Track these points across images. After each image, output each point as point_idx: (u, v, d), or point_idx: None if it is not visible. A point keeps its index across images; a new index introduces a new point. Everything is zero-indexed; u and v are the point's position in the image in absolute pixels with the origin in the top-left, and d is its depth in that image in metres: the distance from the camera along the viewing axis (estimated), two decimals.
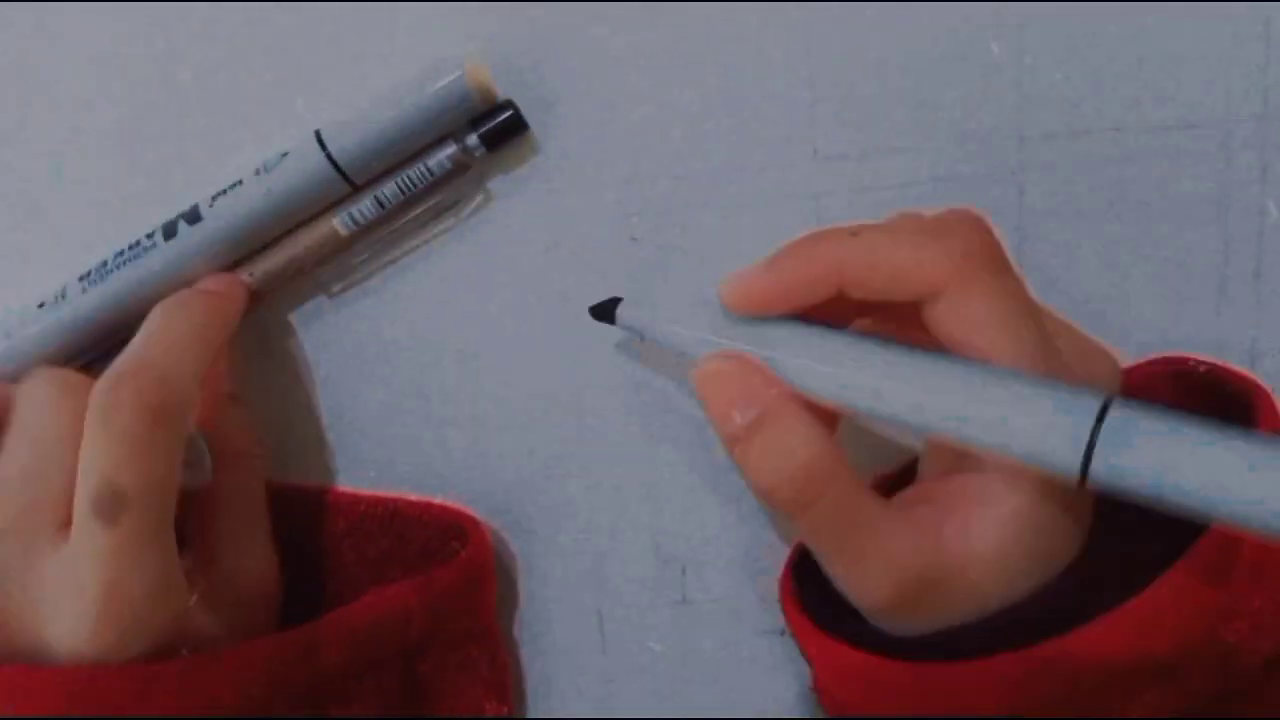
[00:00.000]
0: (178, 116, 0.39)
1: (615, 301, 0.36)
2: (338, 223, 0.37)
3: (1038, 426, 0.26)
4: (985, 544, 0.30)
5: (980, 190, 0.38)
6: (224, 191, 0.37)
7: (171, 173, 0.39)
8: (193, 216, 0.37)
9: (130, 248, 0.37)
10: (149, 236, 0.37)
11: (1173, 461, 0.24)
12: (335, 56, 0.38)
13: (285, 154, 0.36)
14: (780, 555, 0.40)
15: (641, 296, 0.36)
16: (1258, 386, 0.33)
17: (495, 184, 0.39)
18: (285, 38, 0.38)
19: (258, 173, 0.36)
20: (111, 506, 0.30)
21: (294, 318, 0.41)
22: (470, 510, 0.41)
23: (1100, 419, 0.25)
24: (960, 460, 0.32)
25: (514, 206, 0.39)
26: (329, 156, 0.35)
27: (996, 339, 0.29)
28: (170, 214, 0.37)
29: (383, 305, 0.40)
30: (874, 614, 0.32)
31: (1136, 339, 0.39)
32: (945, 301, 0.29)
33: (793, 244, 0.31)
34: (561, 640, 0.42)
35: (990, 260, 0.30)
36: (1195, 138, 0.38)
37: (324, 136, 0.36)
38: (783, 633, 0.41)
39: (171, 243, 0.37)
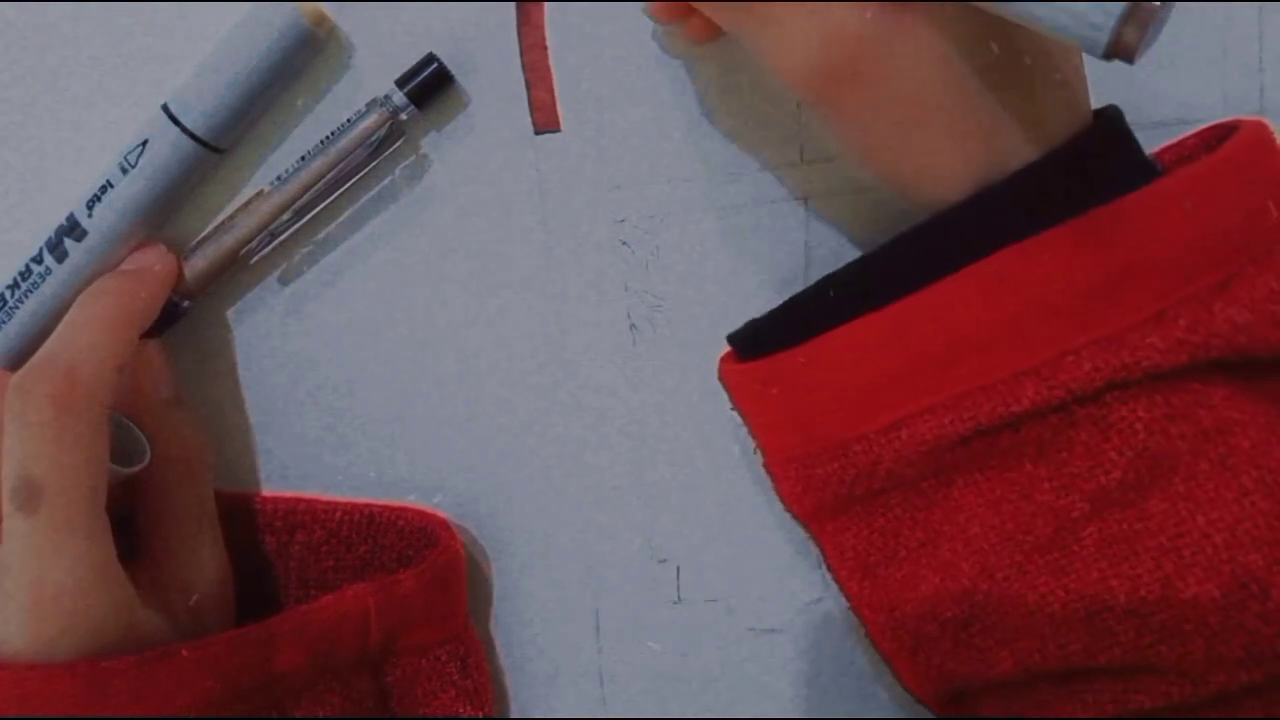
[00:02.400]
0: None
1: None
2: (267, 187, 0.36)
3: None
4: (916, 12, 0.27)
5: None
6: (97, 197, 0.35)
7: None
8: (76, 231, 0.35)
9: (22, 276, 0.36)
10: (37, 261, 0.36)
11: None
12: (333, 57, 0.38)
13: (144, 141, 0.35)
14: (776, 556, 0.40)
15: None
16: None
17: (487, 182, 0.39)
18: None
19: (124, 170, 0.35)
20: (28, 497, 0.30)
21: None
22: (442, 514, 0.41)
23: None
24: None
25: (503, 205, 0.39)
26: (185, 130, 0.34)
27: None
28: (44, 223, 0.36)
29: (358, 300, 0.40)
30: (812, 108, 0.30)
31: None
32: None
33: None
34: (558, 640, 0.42)
35: None
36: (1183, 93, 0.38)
37: (172, 109, 0.34)
38: (778, 631, 0.41)
39: (65, 264, 0.35)
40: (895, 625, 0.34)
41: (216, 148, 0.34)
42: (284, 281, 0.40)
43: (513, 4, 0.38)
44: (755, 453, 0.39)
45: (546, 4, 0.38)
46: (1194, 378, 0.29)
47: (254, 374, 0.41)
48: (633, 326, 0.40)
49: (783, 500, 0.37)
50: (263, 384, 0.41)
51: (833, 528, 0.35)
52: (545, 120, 0.38)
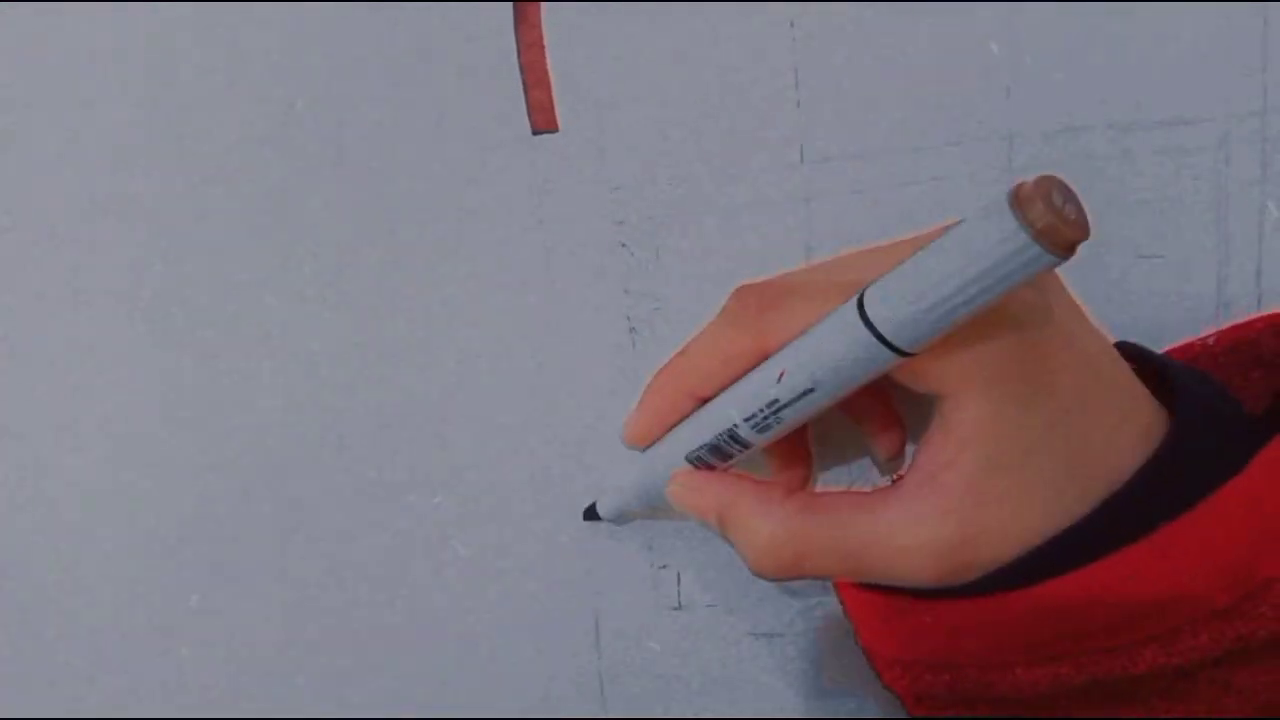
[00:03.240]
0: (177, 117, 0.39)
1: (593, 506, 0.39)
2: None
3: (842, 344, 0.28)
4: (971, 469, 0.29)
5: (974, 190, 0.38)
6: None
7: (171, 173, 0.39)
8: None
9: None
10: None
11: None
12: (332, 57, 0.38)
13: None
14: None
15: (601, 486, 0.39)
16: None
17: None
18: (282, 37, 0.39)
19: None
20: None
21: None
22: None
23: (860, 306, 0.27)
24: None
25: (504, 209, 0.39)
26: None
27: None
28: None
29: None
30: (931, 585, 0.31)
31: (1135, 338, 0.38)
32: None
33: (650, 383, 0.34)
34: (559, 642, 0.42)
35: None
36: (1194, 136, 0.38)
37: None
38: (778, 635, 0.41)
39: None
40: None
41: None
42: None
43: (510, 4, 0.38)
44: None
45: (543, 4, 0.38)
46: None
47: None
48: (632, 330, 0.40)
49: (873, 666, 0.35)
50: None
51: (926, 707, 0.34)
52: (543, 121, 0.38)
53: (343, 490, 0.41)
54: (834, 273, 0.31)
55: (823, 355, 0.29)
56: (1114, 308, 0.39)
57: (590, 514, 0.40)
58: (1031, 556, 0.29)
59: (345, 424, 0.41)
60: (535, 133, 0.39)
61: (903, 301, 0.26)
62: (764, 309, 0.31)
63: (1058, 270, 0.26)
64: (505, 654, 0.42)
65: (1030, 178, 0.24)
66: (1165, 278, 0.39)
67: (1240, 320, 0.35)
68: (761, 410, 0.30)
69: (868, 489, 0.34)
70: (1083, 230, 0.24)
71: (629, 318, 0.40)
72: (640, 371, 0.40)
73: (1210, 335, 0.35)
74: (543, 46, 0.38)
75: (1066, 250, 0.24)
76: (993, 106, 0.38)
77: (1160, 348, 0.38)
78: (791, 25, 0.37)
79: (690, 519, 0.34)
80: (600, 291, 0.39)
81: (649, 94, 0.38)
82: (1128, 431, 0.30)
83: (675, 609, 0.42)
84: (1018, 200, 0.24)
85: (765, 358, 0.31)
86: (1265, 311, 0.36)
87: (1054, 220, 0.24)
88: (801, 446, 0.35)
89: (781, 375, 0.29)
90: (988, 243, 0.25)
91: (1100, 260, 0.38)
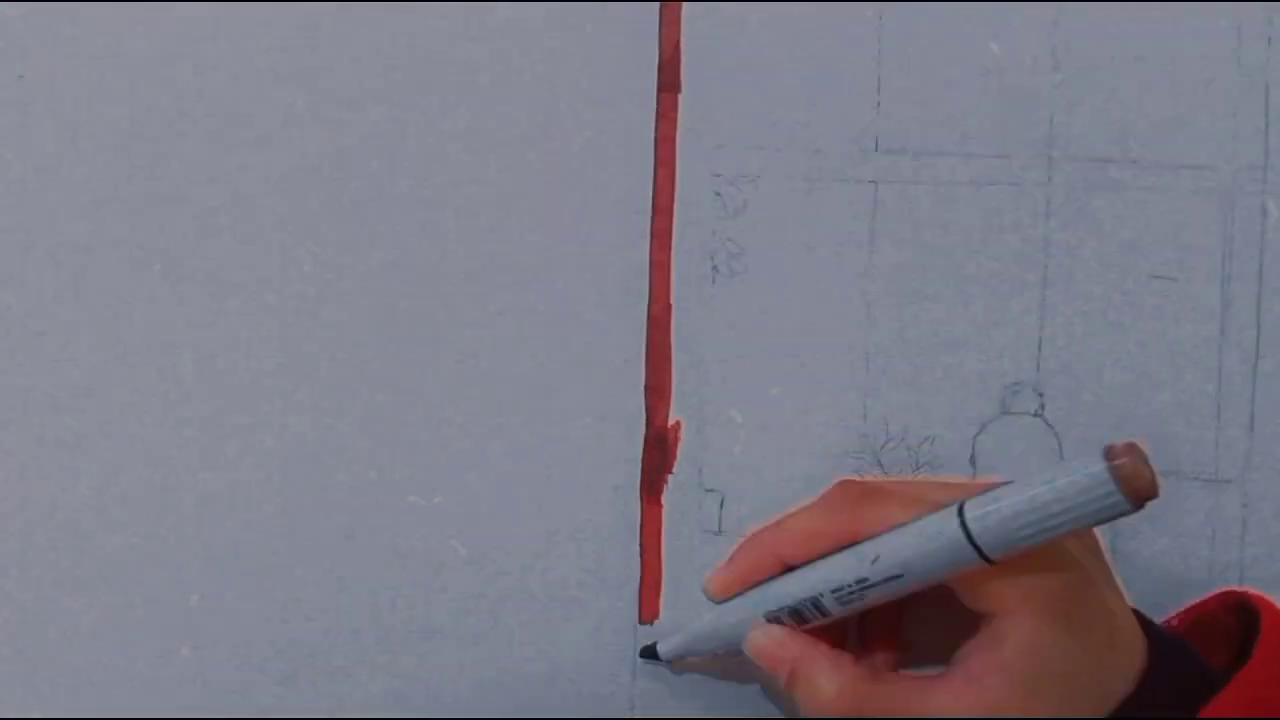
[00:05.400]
0: (177, 115, 0.39)
1: (652, 645, 0.41)
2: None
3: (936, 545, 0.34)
4: (1014, 678, 0.34)
5: (1014, 195, 0.41)
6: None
7: (171, 173, 0.39)
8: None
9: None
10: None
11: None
12: (334, 55, 0.38)
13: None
14: None
15: (667, 632, 0.41)
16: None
17: None
18: (282, 37, 0.39)
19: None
20: None
21: None
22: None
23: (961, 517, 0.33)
24: (957, 627, 0.36)
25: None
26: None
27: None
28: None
29: None
30: None
31: (1136, 338, 0.38)
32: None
33: (741, 544, 0.39)
34: (559, 643, 0.42)
35: None
36: (1195, 135, 0.38)
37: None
38: None
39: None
40: None
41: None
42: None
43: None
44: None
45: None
46: None
47: None
48: (714, 268, 0.41)
49: None
50: None
51: None
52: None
53: (343, 490, 0.41)
54: (920, 489, 0.36)
55: (917, 548, 0.34)
56: (1115, 309, 0.39)
57: (648, 653, 0.41)
58: None
59: (345, 424, 0.41)
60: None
61: (1000, 516, 0.32)
62: (862, 502, 0.36)
63: None
64: (505, 654, 0.42)
65: (1122, 441, 0.31)
66: (1165, 278, 0.39)
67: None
68: (849, 586, 0.35)
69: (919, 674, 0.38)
70: (1155, 490, 0.31)
71: (713, 257, 0.41)
72: (720, 303, 0.42)
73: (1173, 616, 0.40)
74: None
75: (1141, 504, 0.31)
76: (1038, 130, 0.40)
77: (1159, 342, 0.38)
78: (879, 40, 0.41)
79: (747, 672, 0.39)
80: (689, 230, 0.41)
81: (762, 66, 0.40)
82: (1128, 660, 0.35)
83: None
84: (1111, 456, 0.31)
85: (853, 543, 0.35)
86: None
87: (1138, 478, 0.30)
88: (892, 635, 0.40)
89: (876, 559, 0.34)
90: (1080, 485, 0.31)
91: (1100, 260, 0.39)
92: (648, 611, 0.41)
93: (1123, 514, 0.31)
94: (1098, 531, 0.35)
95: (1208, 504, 0.40)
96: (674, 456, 0.41)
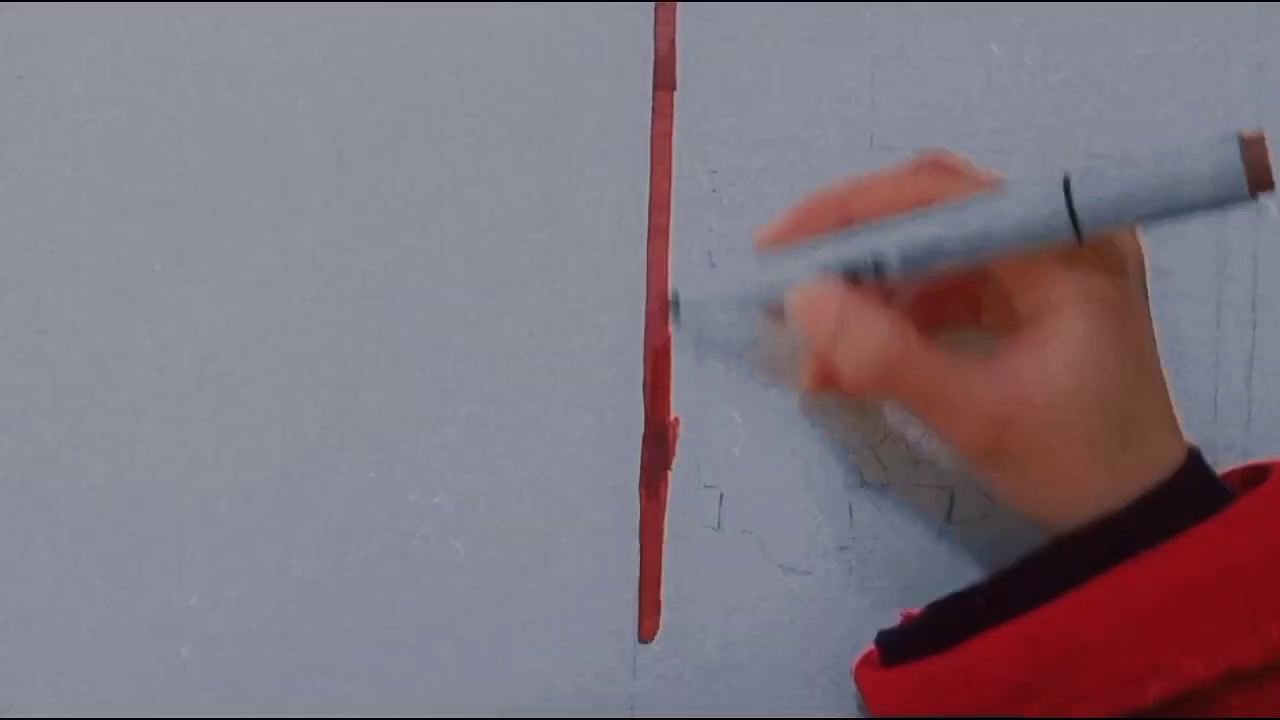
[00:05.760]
0: (177, 116, 0.39)
1: (676, 295, 0.40)
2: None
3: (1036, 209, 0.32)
4: (1057, 373, 0.32)
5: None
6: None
7: (171, 173, 0.40)
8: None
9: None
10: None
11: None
12: (334, 55, 0.39)
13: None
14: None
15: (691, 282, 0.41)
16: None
17: None
18: (282, 37, 0.39)
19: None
20: None
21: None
22: None
23: (1066, 186, 0.31)
24: (1022, 314, 0.35)
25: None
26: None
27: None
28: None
29: None
30: (971, 465, 0.35)
31: None
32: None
33: (801, 201, 0.38)
34: (559, 642, 0.42)
35: None
36: (1193, 134, 0.38)
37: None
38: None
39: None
40: None
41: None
42: None
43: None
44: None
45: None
46: None
47: None
48: (712, 265, 0.41)
49: None
50: None
51: None
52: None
53: (343, 490, 0.41)
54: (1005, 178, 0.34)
55: (1009, 214, 0.32)
56: None
57: (674, 307, 0.40)
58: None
59: (345, 424, 0.41)
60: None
61: (1109, 190, 0.31)
62: (950, 175, 0.34)
63: None
64: (505, 654, 0.42)
65: (1254, 130, 0.30)
66: (1164, 278, 0.39)
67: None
68: (921, 245, 0.34)
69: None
70: (1274, 184, 0.30)
71: (710, 254, 0.41)
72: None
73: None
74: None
75: (1258, 194, 0.30)
76: (1034, 129, 0.40)
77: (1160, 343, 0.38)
78: (875, 38, 0.41)
79: (779, 335, 0.38)
80: (687, 227, 0.41)
81: (757, 64, 0.41)
82: (1162, 433, 0.34)
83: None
84: (1244, 142, 0.30)
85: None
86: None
87: (1263, 166, 0.30)
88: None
89: (959, 218, 0.33)
90: (1203, 165, 0.30)
91: None
92: (648, 609, 0.41)
93: (1237, 201, 0.30)
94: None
95: None
96: (673, 453, 0.41)
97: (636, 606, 0.42)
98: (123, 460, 0.41)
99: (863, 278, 0.35)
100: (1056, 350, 0.33)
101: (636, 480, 0.41)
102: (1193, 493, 0.33)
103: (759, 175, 0.41)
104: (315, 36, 0.39)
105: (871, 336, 0.34)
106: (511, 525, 0.41)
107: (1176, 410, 0.34)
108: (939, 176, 0.35)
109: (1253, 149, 0.29)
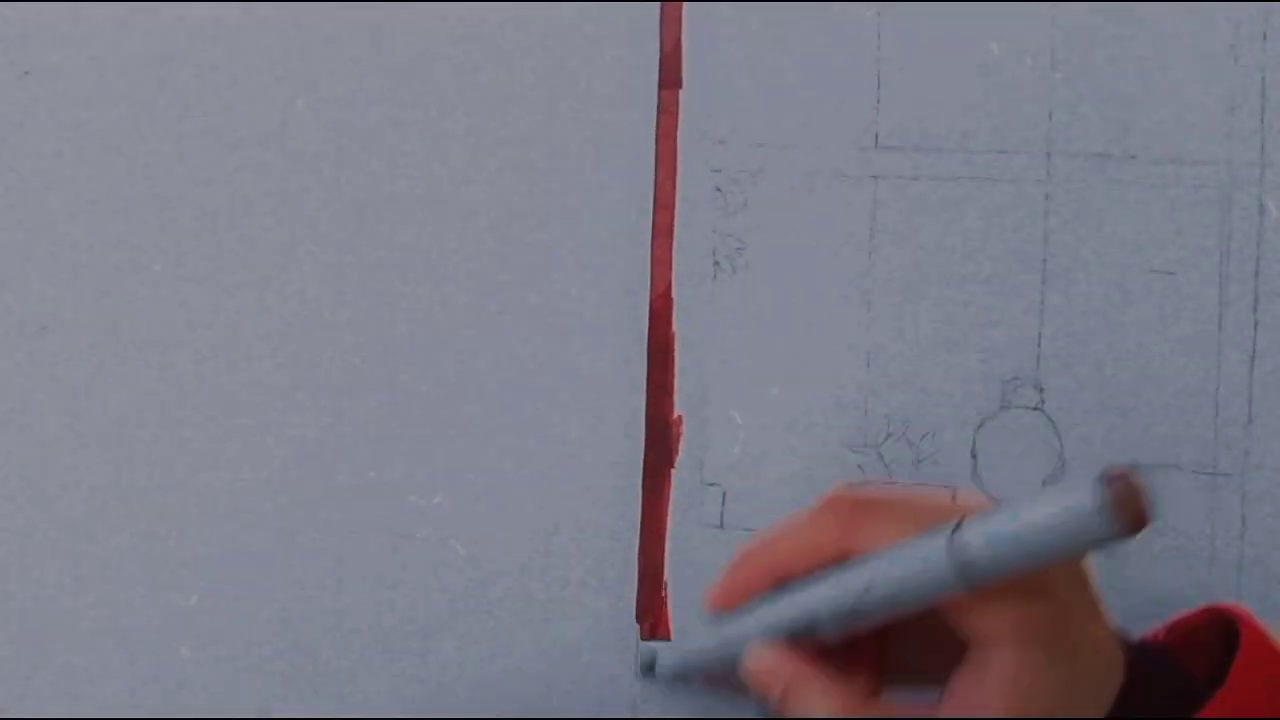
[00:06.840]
0: (177, 115, 0.39)
1: (651, 662, 0.40)
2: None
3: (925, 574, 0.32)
4: (997, 710, 0.33)
5: (1012, 191, 0.41)
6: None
7: (171, 173, 0.40)
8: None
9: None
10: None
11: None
12: (334, 55, 0.39)
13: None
14: None
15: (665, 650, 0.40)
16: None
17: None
18: (282, 37, 0.39)
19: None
20: None
21: None
22: None
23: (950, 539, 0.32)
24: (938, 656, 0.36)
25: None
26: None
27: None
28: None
29: None
30: None
31: (1135, 333, 0.39)
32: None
33: (735, 558, 0.37)
34: (559, 642, 0.42)
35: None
36: (1192, 132, 0.38)
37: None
38: None
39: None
40: None
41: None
42: None
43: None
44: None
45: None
46: None
47: None
48: (716, 264, 0.42)
49: None
50: None
51: None
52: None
53: (343, 490, 0.41)
54: (915, 503, 0.35)
55: (905, 576, 0.33)
56: (1115, 310, 0.39)
57: (648, 670, 0.40)
58: None
59: (345, 424, 0.41)
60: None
61: (990, 546, 0.31)
62: (856, 516, 0.35)
63: None
64: (505, 654, 0.42)
65: (1119, 468, 0.29)
66: (1166, 277, 0.39)
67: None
68: (841, 612, 0.35)
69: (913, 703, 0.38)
70: (1149, 521, 0.29)
71: (714, 253, 0.41)
72: (721, 298, 0.42)
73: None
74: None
75: (1134, 533, 0.29)
76: (1037, 127, 0.40)
77: (1159, 339, 0.38)
78: (879, 37, 0.41)
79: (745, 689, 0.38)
80: (691, 226, 0.41)
81: (763, 65, 0.41)
82: (1111, 683, 0.35)
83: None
84: (1108, 483, 0.29)
85: (847, 559, 0.35)
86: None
87: (1133, 506, 0.29)
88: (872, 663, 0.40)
89: (868, 588, 0.33)
90: (1075, 512, 0.29)
91: (1102, 261, 0.39)
92: (649, 608, 0.41)
93: (1120, 543, 0.30)
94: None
95: (1207, 498, 0.40)
96: (677, 450, 0.41)
97: (636, 607, 0.42)
98: (123, 460, 0.41)
99: (803, 637, 0.36)
100: (993, 686, 0.34)
101: (639, 479, 0.41)
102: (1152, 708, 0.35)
103: (762, 174, 0.41)
104: (315, 36, 0.39)
105: (816, 709, 0.36)
106: (511, 525, 0.42)
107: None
108: (851, 515, 0.35)
109: (1117, 491, 0.29)
